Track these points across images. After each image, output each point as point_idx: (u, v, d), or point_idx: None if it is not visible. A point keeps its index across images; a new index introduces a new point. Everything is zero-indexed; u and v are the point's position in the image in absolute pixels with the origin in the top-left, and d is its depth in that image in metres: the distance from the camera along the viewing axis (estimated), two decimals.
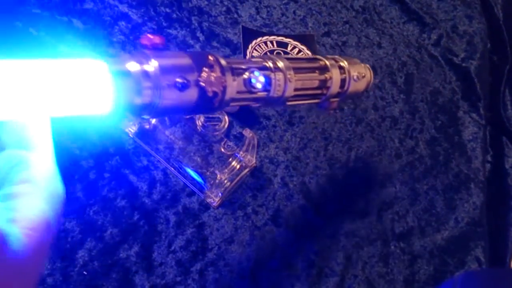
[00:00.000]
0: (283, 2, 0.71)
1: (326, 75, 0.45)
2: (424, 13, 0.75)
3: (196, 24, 0.65)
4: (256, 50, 0.65)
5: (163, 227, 0.51)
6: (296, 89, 0.42)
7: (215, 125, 0.56)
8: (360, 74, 0.47)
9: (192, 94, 0.33)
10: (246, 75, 0.39)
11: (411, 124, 0.65)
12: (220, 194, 0.52)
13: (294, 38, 0.68)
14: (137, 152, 0.55)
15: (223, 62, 0.36)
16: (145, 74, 0.31)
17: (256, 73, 0.39)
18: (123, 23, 0.63)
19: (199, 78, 0.34)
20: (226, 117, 0.57)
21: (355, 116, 0.63)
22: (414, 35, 0.74)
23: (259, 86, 0.39)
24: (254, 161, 0.56)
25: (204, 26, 0.65)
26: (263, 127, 0.60)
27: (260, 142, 0.58)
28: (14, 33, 0.59)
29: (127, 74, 0.30)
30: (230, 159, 0.54)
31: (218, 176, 0.52)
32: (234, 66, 0.38)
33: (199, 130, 0.56)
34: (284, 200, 0.55)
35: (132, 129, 0.55)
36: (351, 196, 0.57)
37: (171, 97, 0.32)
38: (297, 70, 0.42)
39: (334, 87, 0.45)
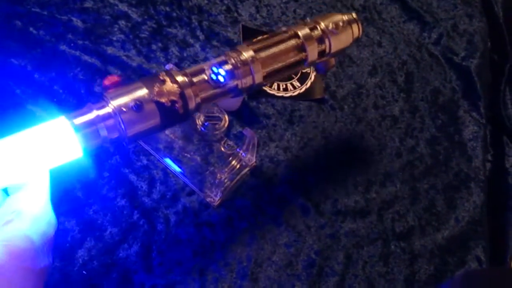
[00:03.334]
0: (283, 1, 0.71)
1: (301, 52, 0.45)
2: (425, 12, 0.75)
3: (196, 23, 0.65)
4: None
5: (163, 227, 0.51)
6: (268, 73, 0.43)
7: (215, 124, 0.56)
8: (340, 35, 0.46)
9: (151, 111, 0.37)
10: (206, 73, 0.40)
11: (411, 123, 0.65)
12: (220, 193, 0.52)
13: None
14: (137, 151, 0.55)
15: (175, 72, 0.39)
16: (105, 116, 0.35)
17: (214, 68, 0.40)
18: (123, 22, 0.63)
19: (151, 94, 0.37)
20: (226, 116, 0.57)
21: (355, 115, 0.63)
22: (414, 34, 0.73)
23: (221, 79, 0.41)
24: (254, 160, 0.55)
25: (204, 25, 0.65)
26: (263, 126, 0.60)
27: (260, 141, 0.58)
28: (14, 32, 0.59)
29: (88, 124, 0.35)
30: (230, 158, 0.54)
31: (218, 175, 0.52)
32: (192, 71, 0.40)
33: (199, 129, 0.56)
34: (284, 199, 0.55)
35: None
36: (351, 196, 0.57)
37: (133, 123, 0.36)
38: (268, 56, 0.43)
39: (312, 56, 0.45)
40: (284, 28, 0.46)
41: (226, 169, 0.53)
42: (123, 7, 0.64)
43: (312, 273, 0.52)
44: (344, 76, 0.66)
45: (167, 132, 0.55)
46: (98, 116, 0.35)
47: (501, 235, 0.63)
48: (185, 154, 0.55)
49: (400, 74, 0.69)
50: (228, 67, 0.41)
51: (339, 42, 0.47)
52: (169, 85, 0.37)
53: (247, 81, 0.42)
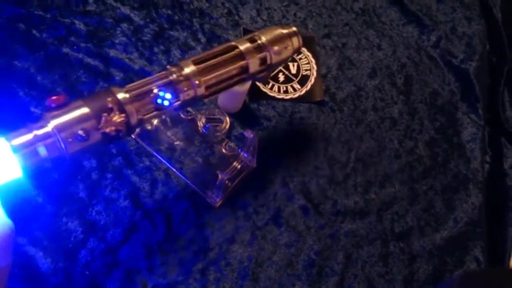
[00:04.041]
0: (284, 4, 0.71)
1: (242, 63, 0.46)
2: (424, 15, 0.76)
3: (198, 26, 0.66)
4: None
5: (165, 227, 0.51)
6: (210, 86, 0.45)
7: (216, 126, 0.56)
8: (280, 48, 0.48)
9: (96, 139, 0.38)
10: (152, 95, 0.41)
11: (410, 125, 0.65)
12: (221, 194, 0.53)
13: None
14: (139, 153, 0.55)
15: (121, 97, 0.39)
16: (45, 136, 0.36)
17: (161, 93, 0.42)
18: (125, 25, 0.63)
19: (99, 126, 0.38)
20: (227, 118, 0.57)
21: (355, 117, 0.64)
22: (413, 37, 0.74)
23: (166, 103, 0.42)
24: (255, 161, 0.56)
25: (206, 28, 0.66)
26: (264, 128, 0.60)
27: (261, 142, 0.58)
28: (17, 35, 0.59)
29: (26, 144, 0.35)
30: (231, 160, 0.55)
31: (219, 176, 0.52)
32: (137, 92, 0.41)
33: (201, 131, 0.56)
34: (285, 200, 0.56)
35: None
36: (350, 196, 0.58)
37: (76, 147, 0.37)
38: (208, 68, 0.44)
39: (253, 68, 0.47)
40: (228, 44, 0.47)
41: (227, 170, 0.53)
42: (126, 10, 0.64)
43: (312, 273, 0.52)
44: (344, 79, 0.67)
45: (169, 134, 0.56)
46: (36, 135, 0.36)
47: (500, 235, 0.63)
48: (187, 156, 0.55)
49: (399, 77, 0.69)
50: (172, 85, 0.42)
51: (279, 60, 0.49)
52: (117, 115, 0.38)
53: (189, 94, 0.43)
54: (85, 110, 0.38)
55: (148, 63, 0.61)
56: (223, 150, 0.56)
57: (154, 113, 0.42)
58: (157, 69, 0.61)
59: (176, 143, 0.56)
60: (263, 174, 0.57)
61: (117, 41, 0.62)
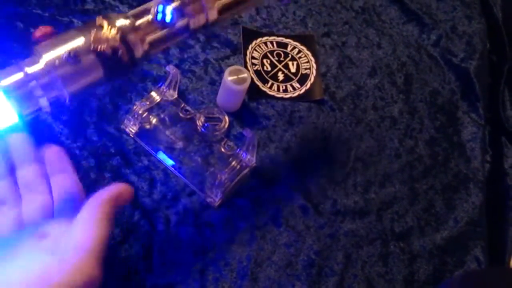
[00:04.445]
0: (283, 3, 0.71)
1: None
2: (424, 14, 0.76)
3: None
4: (256, 51, 0.65)
5: (164, 227, 0.51)
6: (223, 8, 0.39)
7: (215, 125, 0.56)
8: None
9: (91, 62, 0.32)
10: (152, 13, 0.36)
11: (410, 124, 0.65)
12: (220, 194, 0.53)
13: (294, 38, 0.68)
14: (137, 152, 0.55)
15: (114, 16, 0.34)
16: (37, 75, 0.31)
17: (159, 7, 0.36)
18: None
19: (88, 43, 0.32)
20: (226, 117, 0.57)
21: (355, 116, 0.64)
22: (413, 36, 0.74)
23: (168, 18, 0.36)
24: (254, 161, 0.56)
25: None
26: (263, 127, 0.60)
27: (260, 142, 0.58)
28: (15, 33, 0.59)
29: (17, 85, 0.30)
30: (230, 159, 0.54)
31: (218, 176, 0.52)
32: (134, 12, 0.36)
33: (199, 130, 0.56)
34: (284, 200, 0.55)
35: (132, 129, 0.55)
36: (350, 196, 0.58)
37: (72, 78, 0.31)
38: None
39: None
40: None
41: (226, 170, 0.53)
42: (124, 8, 0.64)
43: (311, 273, 0.52)
44: (344, 78, 0.67)
45: (167, 133, 0.56)
46: (28, 74, 0.31)
47: (500, 235, 0.63)
48: (186, 155, 0.55)
49: (399, 76, 0.69)
50: (175, 4, 0.36)
51: None
52: (108, 31, 0.33)
53: (199, 20, 0.38)
54: (73, 33, 0.32)
55: (146, 61, 0.61)
56: (222, 149, 0.56)
57: (158, 34, 0.36)
58: (156, 67, 0.60)
59: (174, 142, 0.56)
60: (262, 173, 0.57)
61: None
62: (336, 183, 0.58)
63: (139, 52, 0.35)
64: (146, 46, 0.35)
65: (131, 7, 0.64)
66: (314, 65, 0.66)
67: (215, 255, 0.51)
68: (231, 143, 0.56)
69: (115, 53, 0.33)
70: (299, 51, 0.67)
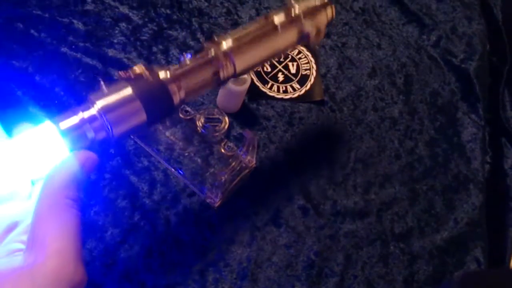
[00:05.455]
0: (283, 3, 0.71)
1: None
2: (424, 15, 0.76)
3: (197, 25, 0.66)
4: None
5: (164, 228, 0.51)
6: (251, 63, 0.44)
7: (215, 126, 0.56)
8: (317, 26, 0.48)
9: (137, 108, 0.37)
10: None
11: (410, 125, 0.65)
12: (220, 194, 0.52)
13: None
14: (137, 153, 0.55)
15: (157, 68, 0.39)
16: (91, 118, 0.35)
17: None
18: (123, 24, 0.63)
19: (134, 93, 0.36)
20: (226, 118, 0.57)
21: (355, 117, 0.64)
22: (413, 36, 0.74)
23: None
24: (254, 161, 0.56)
25: (205, 27, 0.66)
26: (263, 128, 0.60)
27: (260, 142, 0.58)
28: (15, 35, 0.59)
29: (73, 128, 0.35)
30: (230, 160, 0.54)
31: (219, 176, 0.52)
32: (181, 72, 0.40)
33: (200, 131, 0.56)
34: (284, 201, 0.55)
35: None
36: (350, 197, 0.58)
37: (119, 122, 0.36)
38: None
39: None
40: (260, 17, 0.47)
41: (226, 171, 0.53)
42: (124, 9, 0.64)
43: (311, 273, 0.52)
44: (344, 78, 0.67)
45: (167, 134, 0.56)
46: (83, 118, 0.35)
47: (500, 236, 0.63)
48: (186, 156, 0.55)
49: (399, 76, 0.69)
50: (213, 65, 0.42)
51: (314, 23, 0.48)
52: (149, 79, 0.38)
53: (228, 71, 0.43)
54: (129, 91, 0.37)
55: (147, 62, 0.61)
56: (222, 150, 0.56)
57: (193, 83, 0.41)
58: None
59: (175, 143, 0.56)
60: (262, 174, 0.56)
61: (115, 40, 0.62)
62: (336, 184, 0.58)
63: (177, 99, 0.39)
64: (182, 95, 0.40)
65: (131, 8, 0.64)
66: (314, 66, 0.66)
67: (215, 255, 0.51)
68: (231, 144, 0.56)
69: (157, 101, 0.38)
70: (299, 52, 0.67)
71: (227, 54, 0.43)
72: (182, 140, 0.56)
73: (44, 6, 0.62)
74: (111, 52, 0.60)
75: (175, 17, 0.66)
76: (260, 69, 0.64)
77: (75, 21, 0.62)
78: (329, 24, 0.50)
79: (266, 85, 0.63)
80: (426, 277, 0.55)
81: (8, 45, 0.58)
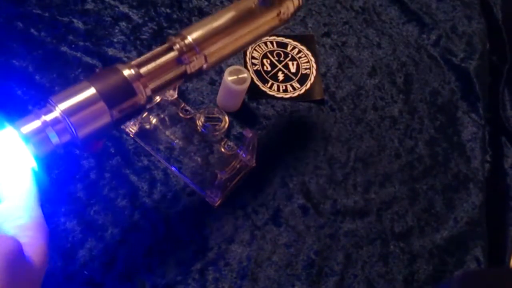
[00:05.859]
0: None
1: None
2: (424, 14, 0.76)
3: None
4: (256, 51, 0.65)
5: (164, 227, 0.51)
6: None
7: (215, 125, 0.56)
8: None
9: (100, 109, 0.36)
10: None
11: (410, 124, 0.65)
12: (220, 193, 0.53)
13: (294, 38, 0.68)
14: (137, 152, 0.55)
15: (121, 66, 0.38)
16: (53, 121, 0.34)
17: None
18: (123, 23, 0.63)
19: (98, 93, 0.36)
20: (226, 117, 0.57)
21: (355, 116, 0.64)
22: (413, 36, 0.74)
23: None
24: (254, 160, 0.56)
25: None
26: (263, 127, 0.60)
27: (260, 142, 0.58)
28: (15, 34, 0.59)
29: (36, 132, 0.33)
30: (230, 159, 0.54)
31: (219, 176, 0.52)
32: (140, 61, 0.40)
33: (200, 130, 0.56)
34: (284, 200, 0.55)
35: (132, 129, 0.55)
36: (350, 196, 0.58)
37: (83, 124, 0.35)
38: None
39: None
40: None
41: (226, 170, 0.53)
42: (124, 8, 0.64)
43: (311, 273, 0.52)
44: (344, 78, 0.67)
45: (167, 133, 0.56)
46: (45, 121, 0.34)
47: (500, 235, 0.63)
48: (186, 155, 0.55)
49: (399, 76, 0.69)
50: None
51: None
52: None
53: (195, 64, 0.42)
54: (92, 91, 0.36)
55: None
56: (222, 149, 0.56)
57: (158, 82, 0.41)
58: None
59: (175, 142, 0.56)
60: (262, 173, 0.56)
61: (115, 39, 0.62)
62: (336, 183, 0.58)
63: (143, 97, 0.39)
64: (148, 92, 0.39)
65: (131, 7, 0.64)
66: (314, 65, 0.66)
67: (215, 255, 0.51)
68: (231, 143, 0.56)
69: (122, 100, 0.37)
70: (299, 51, 0.67)
71: (192, 46, 0.42)
72: (182, 139, 0.56)
73: (44, 5, 0.62)
74: (111, 51, 0.60)
75: (175, 16, 0.66)
76: (260, 68, 0.64)
77: (75, 20, 0.62)
78: (298, 9, 0.49)
79: (266, 84, 0.63)
80: (426, 276, 0.55)
81: (8, 44, 0.58)
